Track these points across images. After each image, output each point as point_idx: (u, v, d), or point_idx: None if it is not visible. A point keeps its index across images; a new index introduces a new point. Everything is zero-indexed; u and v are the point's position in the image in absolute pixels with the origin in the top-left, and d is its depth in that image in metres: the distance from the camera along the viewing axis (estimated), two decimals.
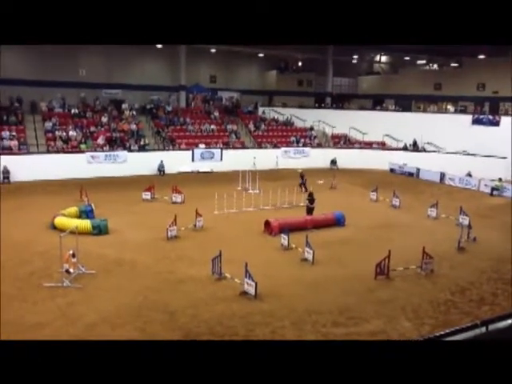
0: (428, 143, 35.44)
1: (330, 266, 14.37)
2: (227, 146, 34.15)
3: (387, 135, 36.66)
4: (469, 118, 35.65)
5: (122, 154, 29.97)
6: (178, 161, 31.24)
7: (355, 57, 46.66)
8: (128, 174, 28.68)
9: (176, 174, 29.97)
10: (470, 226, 17.47)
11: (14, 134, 28.62)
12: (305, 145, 36.69)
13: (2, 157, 26.49)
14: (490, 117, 35.03)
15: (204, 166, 31.98)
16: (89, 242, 15.21)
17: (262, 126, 37.86)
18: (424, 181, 31.04)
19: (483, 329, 4.10)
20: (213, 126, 35.73)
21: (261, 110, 40.76)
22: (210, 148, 33.11)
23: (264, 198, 21.72)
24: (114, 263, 14.08)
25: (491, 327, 4.14)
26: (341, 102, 44.33)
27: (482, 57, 38.16)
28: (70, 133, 30.25)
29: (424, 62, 44.87)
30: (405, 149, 35.78)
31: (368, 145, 36.98)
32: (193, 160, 32.03)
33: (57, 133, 29.95)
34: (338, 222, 18.91)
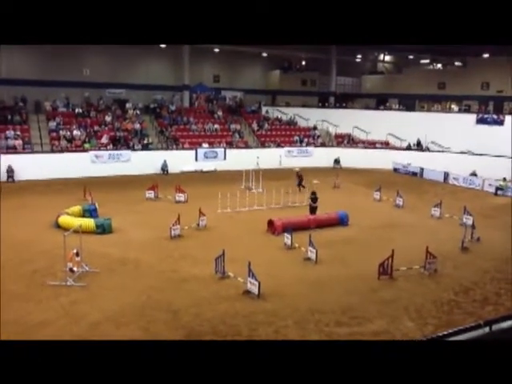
0: (432, 143, 35.35)
1: (333, 266, 14.37)
2: (230, 145, 34.17)
3: (391, 135, 36.59)
4: (473, 117, 35.53)
5: (125, 153, 30.03)
6: (181, 160, 31.28)
7: (359, 56, 46.57)
8: (132, 173, 28.74)
9: (179, 174, 30.02)
10: (473, 226, 17.42)
11: (18, 133, 28.71)
12: (308, 144, 36.67)
13: (7, 156, 26.61)
14: (495, 116, 34.90)
15: (207, 166, 32.01)
16: (92, 241, 15.26)
17: (266, 126, 37.86)
18: (428, 180, 30.97)
19: (487, 329, 4.10)
20: (216, 126, 35.75)
21: (264, 109, 40.75)
22: (213, 147, 33.13)
23: (267, 197, 21.71)
24: (117, 262, 14.12)
25: (495, 327, 4.13)
26: (344, 101, 44.24)
27: (486, 56, 38.02)
28: (74, 132, 30.34)
29: (428, 61, 44.76)
30: (408, 148, 35.71)
31: (371, 144, 36.92)
32: (196, 159, 32.07)
33: (61, 132, 30.04)
34: (341, 221, 18.89)
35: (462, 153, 32.48)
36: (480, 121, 34.96)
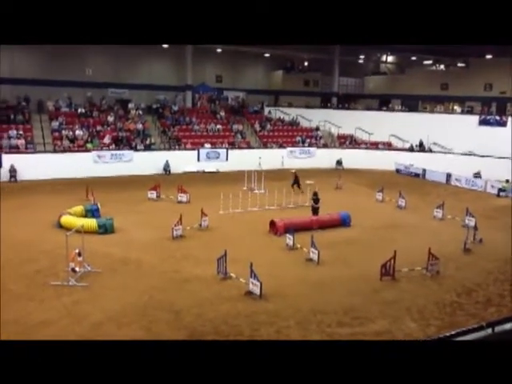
0: (434, 144, 35.30)
1: (335, 267, 14.35)
2: (233, 145, 34.17)
3: (393, 135, 36.55)
4: (476, 118, 35.47)
5: (127, 153, 30.06)
6: (183, 160, 31.30)
7: (362, 57, 46.56)
8: (134, 173, 28.76)
9: (181, 174, 30.03)
10: (476, 228, 17.38)
11: (21, 133, 28.76)
12: (310, 145, 36.64)
13: (9, 155, 26.67)
14: (497, 117, 34.84)
15: (210, 166, 32.02)
16: (94, 241, 15.27)
17: (268, 126, 37.85)
18: (430, 181, 30.92)
19: (489, 330, 4.09)
20: (218, 126, 35.75)
21: (267, 109, 40.74)
22: (215, 148, 33.14)
23: (269, 197, 21.71)
24: (119, 262, 14.13)
25: (497, 329, 4.12)
26: (347, 102, 44.23)
27: (489, 57, 37.97)
28: (77, 132, 30.38)
29: (431, 62, 44.70)
30: (411, 149, 35.65)
31: (374, 145, 36.88)
32: (198, 160, 32.08)
33: (63, 132, 30.08)
34: (343, 222, 18.87)
35: (464, 154, 32.42)
36: (483, 122, 34.91)
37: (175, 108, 36.37)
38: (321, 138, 37.91)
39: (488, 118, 35.23)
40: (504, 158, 29.82)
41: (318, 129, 38.68)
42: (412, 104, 42.20)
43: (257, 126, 37.42)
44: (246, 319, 10.71)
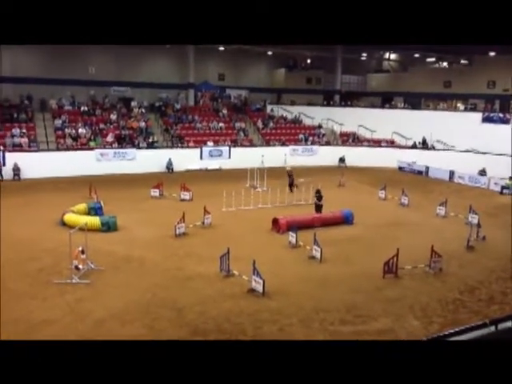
0: (437, 141, 35.21)
1: (337, 264, 14.35)
2: (235, 143, 34.15)
3: (396, 133, 36.47)
4: (479, 115, 35.34)
5: (130, 151, 30.10)
6: (186, 158, 31.32)
7: (364, 54, 46.40)
8: (137, 171, 28.78)
9: (184, 172, 30.06)
10: (479, 225, 17.35)
11: (24, 131, 28.82)
12: (313, 143, 36.60)
13: (13, 154, 26.73)
14: (501, 115, 34.71)
15: (212, 164, 32.03)
16: (98, 239, 15.30)
17: (271, 124, 37.83)
18: (433, 179, 30.86)
19: (492, 328, 4.09)
20: (221, 124, 35.74)
21: (269, 107, 40.71)
22: (218, 146, 33.14)
23: (272, 195, 21.71)
24: (122, 260, 14.16)
25: (500, 326, 4.12)
26: (349, 99, 44.13)
27: (492, 54, 37.77)
28: (80, 130, 30.42)
29: (433, 59, 44.50)
30: (414, 147, 35.59)
31: (377, 143, 36.81)
32: (201, 158, 32.10)
33: (66, 130, 30.13)
34: (346, 220, 18.86)
35: (467, 151, 32.34)
36: (486, 119, 34.79)
37: (178, 106, 36.37)
38: (323, 135, 37.87)
39: (491, 115, 35.10)
40: (507, 155, 29.73)
41: (320, 126, 38.63)
42: (415, 101, 42.06)
43: (259, 124, 37.39)
44: (249, 317, 10.72)
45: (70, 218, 16.98)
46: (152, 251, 14.96)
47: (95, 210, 18.48)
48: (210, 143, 33.15)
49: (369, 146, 36.54)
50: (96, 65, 36.20)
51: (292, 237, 15.88)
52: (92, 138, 30.31)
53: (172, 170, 30.31)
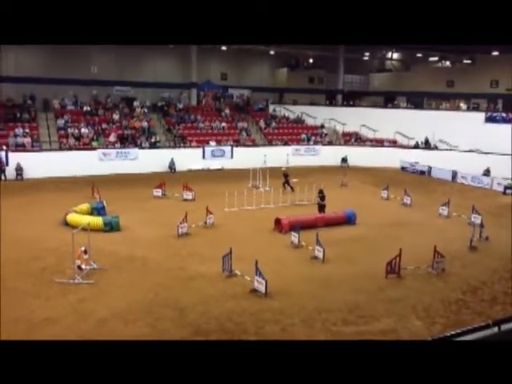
0: (440, 141, 35.15)
1: (340, 265, 14.34)
2: (238, 143, 34.16)
3: (399, 133, 36.42)
4: (482, 115, 35.27)
5: (133, 151, 30.14)
6: (188, 158, 31.34)
7: (366, 54, 46.36)
8: (139, 171, 28.82)
9: (187, 172, 30.09)
10: (482, 225, 17.31)
11: (27, 131, 28.91)
12: (315, 142, 36.58)
13: (16, 154, 26.80)
14: (504, 114, 34.63)
15: (214, 164, 32.04)
16: (100, 239, 15.33)
17: (273, 124, 37.82)
18: (436, 179, 30.80)
19: (495, 329, 4.08)
20: (223, 124, 35.76)
21: (271, 107, 40.71)
22: (220, 145, 33.16)
23: (274, 195, 21.70)
24: (125, 260, 14.18)
25: (504, 327, 4.11)
26: (352, 99, 44.10)
27: (495, 53, 37.67)
28: (82, 130, 30.48)
29: (436, 58, 44.44)
30: (416, 147, 35.53)
31: (379, 142, 36.77)
32: (203, 157, 32.12)
33: (69, 130, 30.19)
34: (348, 220, 18.84)
35: (470, 151, 32.27)
36: (489, 119, 34.71)
37: (180, 106, 36.40)
38: (326, 135, 37.84)
39: (494, 115, 35.02)
40: (510, 155, 29.63)
41: (322, 126, 38.61)
42: (417, 101, 42.01)
43: (262, 124, 37.40)
44: (251, 317, 10.72)
45: (72, 217, 17.02)
46: (154, 251, 14.98)
47: (98, 210, 18.51)
48: (213, 143, 33.17)
49: (371, 145, 36.50)
50: (98, 65, 36.25)
51: (294, 237, 15.87)
52: (94, 137, 30.37)
53: (174, 169, 30.34)
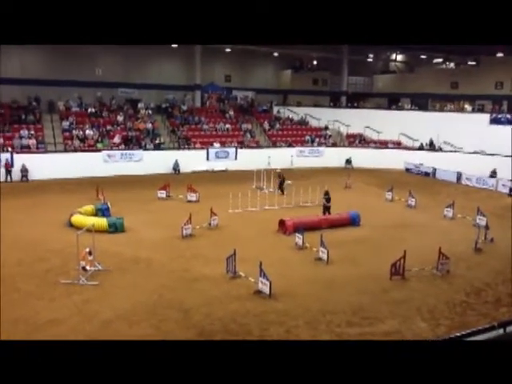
0: (445, 143, 35.05)
1: (344, 266, 14.31)
2: (242, 145, 34.19)
3: (403, 134, 36.36)
4: (486, 117, 35.15)
5: (137, 152, 30.21)
6: (192, 160, 31.39)
7: (371, 55, 46.31)
8: (143, 172, 28.91)
9: (191, 173, 30.12)
10: (487, 227, 17.25)
11: (32, 132, 29.03)
12: (320, 144, 36.57)
13: (21, 155, 26.91)
14: (508, 116, 34.48)
15: (219, 165, 32.07)
16: (105, 240, 15.37)
17: (277, 125, 37.83)
18: (440, 181, 30.72)
19: (501, 330, 4.06)
20: (228, 125, 35.80)
21: (275, 109, 40.72)
22: (224, 147, 33.18)
23: (278, 197, 21.69)
24: (129, 261, 14.20)
25: (509, 329, 4.09)
26: (356, 100, 44.03)
27: (499, 55, 37.55)
28: (87, 132, 30.58)
29: (440, 60, 44.31)
30: (421, 148, 35.45)
31: (383, 144, 36.72)
32: (207, 159, 32.15)
33: (74, 132, 30.30)
34: (353, 221, 18.81)
35: (475, 153, 32.16)
36: (494, 121, 34.58)
37: (184, 107, 36.46)
38: (330, 137, 37.81)
39: (499, 116, 34.89)
40: None
41: (326, 128, 38.59)
42: (421, 103, 41.91)
43: (266, 126, 37.42)
44: (255, 318, 10.72)
45: (77, 219, 17.07)
46: (159, 252, 15.00)
47: (102, 212, 18.56)
48: (217, 144, 33.20)
49: (375, 147, 36.44)
50: (103, 66, 36.37)
51: (299, 238, 15.86)
52: (99, 139, 30.46)
53: (179, 171, 30.39)
